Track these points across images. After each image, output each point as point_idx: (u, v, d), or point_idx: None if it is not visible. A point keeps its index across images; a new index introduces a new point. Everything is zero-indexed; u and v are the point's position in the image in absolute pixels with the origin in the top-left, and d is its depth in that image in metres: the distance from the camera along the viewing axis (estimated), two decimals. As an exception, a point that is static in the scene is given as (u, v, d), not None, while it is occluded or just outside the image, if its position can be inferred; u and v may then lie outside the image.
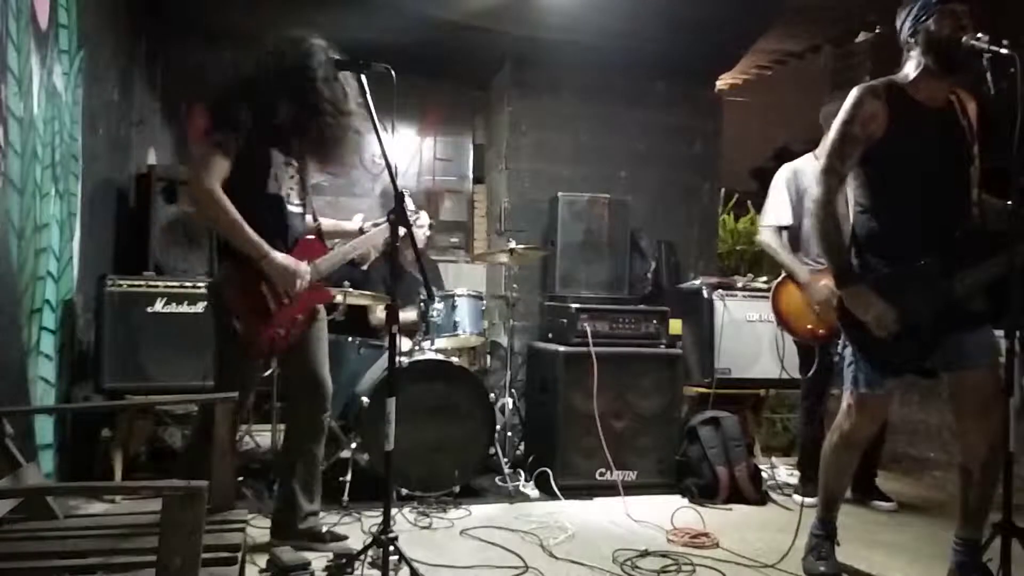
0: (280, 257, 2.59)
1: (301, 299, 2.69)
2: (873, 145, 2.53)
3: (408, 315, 4.09)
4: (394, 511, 3.06)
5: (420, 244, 4.61)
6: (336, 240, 3.04)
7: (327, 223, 3.00)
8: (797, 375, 3.88)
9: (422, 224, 4.63)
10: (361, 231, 3.03)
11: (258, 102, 2.55)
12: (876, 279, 2.51)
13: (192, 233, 4.30)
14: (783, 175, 3.86)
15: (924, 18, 2.47)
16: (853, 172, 2.62)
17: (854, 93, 2.55)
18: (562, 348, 3.90)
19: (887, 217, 2.56)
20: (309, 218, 2.86)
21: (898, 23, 2.58)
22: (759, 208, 4.06)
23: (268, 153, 2.60)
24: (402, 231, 2.48)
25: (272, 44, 2.67)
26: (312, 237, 2.80)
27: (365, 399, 3.54)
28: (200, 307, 3.48)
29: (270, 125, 2.58)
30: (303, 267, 2.67)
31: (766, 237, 3.83)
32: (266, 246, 2.55)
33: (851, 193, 2.68)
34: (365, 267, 4.54)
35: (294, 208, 2.74)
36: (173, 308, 3.47)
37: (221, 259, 2.63)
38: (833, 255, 2.55)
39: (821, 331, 3.53)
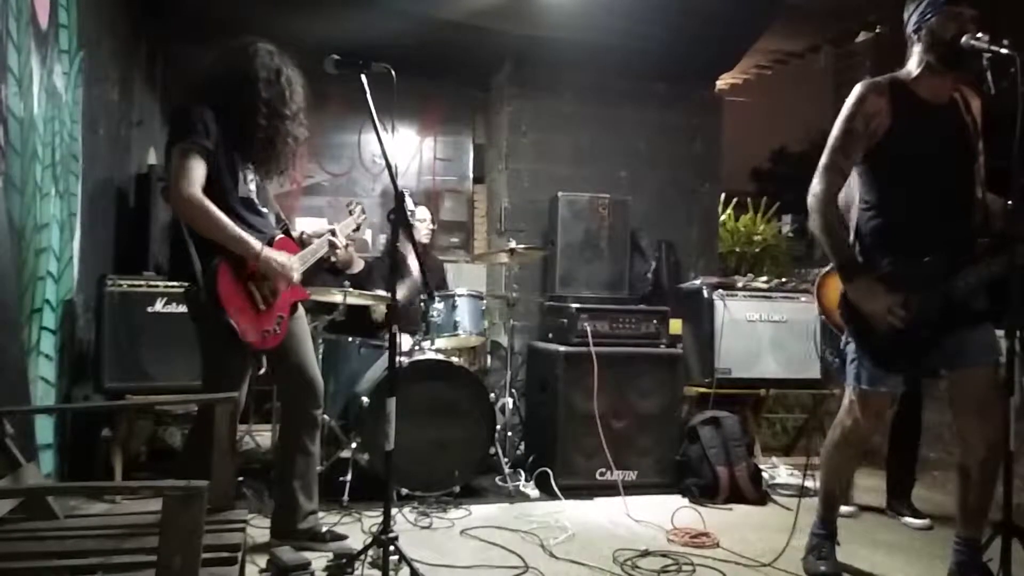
0: (274, 253, 2.59)
1: (283, 297, 2.69)
2: (876, 142, 2.53)
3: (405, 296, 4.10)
4: (394, 511, 3.06)
5: (424, 239, 4.63)
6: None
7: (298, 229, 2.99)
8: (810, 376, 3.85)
9: (421, 219, 4.63)
10: (332, 233, 2.99)
11: (213, 106, 2.54)
12: (879, 277, 2.51)
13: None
14: None
15: (929, 16, 2.47)
16: (857, 169, 2.62)
17: (857, 89, 2.55)
18: (562, 348, 3.90)
19: (891, 214, 2.56)
20: (273, 218, 2.83)
21: (905, 16, 2.57)
22: (758, 208, 4.06)
23: (233, 156, 2.59)
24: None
25: (221, 48, 2.68)
26: (283, 236, 2.80)
27: (365, 399, 3.53)
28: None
29: (228, 128, 2.56)
30: (294, 260, 2.68)
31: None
32: (259, 244, 2.55)
33: (856, 190, 2.68)
34: (356, 270, 4.53)
35: (261, 209, 2.73)
36: (173, 308, 3.47)
37: (204, 261, 2.49)
38: (836, 249, 2.55)
39: None
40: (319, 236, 2.96)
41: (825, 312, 3.67)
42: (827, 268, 3.69)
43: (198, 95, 2.60)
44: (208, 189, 2.48)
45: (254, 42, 2.67)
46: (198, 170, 2.45)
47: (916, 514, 3.57)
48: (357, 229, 3.13)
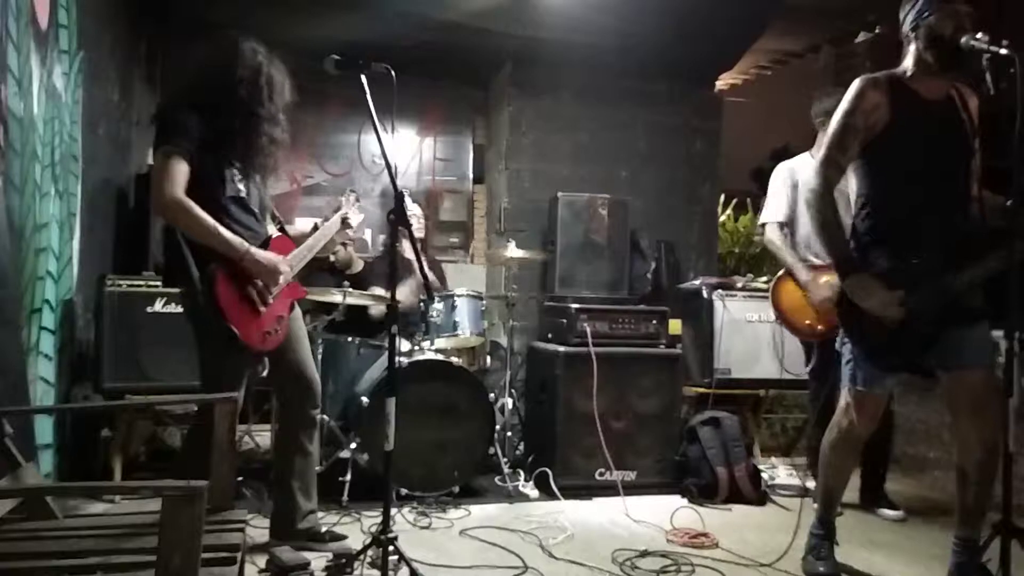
0: (260, 253, 2.57)
1: (281, 297, 2.69)
2: (874, 138, 2.53)
3: (408, 299, 4.10)
4: (394, 511, 3.07)
5: (417, 235, 4.61)
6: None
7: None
8: (795, 374, 3.88)
9: (414, 214, 4.62)
10: (315, 228, 2.97)
11: (197, 105, 2.53)
12: (876, 273, 2.51)
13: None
14: (780, 173, 3.88)
15: (926, 14, 2.47)
16: (854, 165, 2.61)
17: (855, 84, 2.55)
18: (562, 348, 3.90)
19: (888, 211, 2.56)
20: (268, 216, 2.82)
21: (901, 15, 2.57)
22: (758, 208, 4.06)
23: (218, 155, 2.57)
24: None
25: (204, 47, 2.66)
26: (279, 235, 2.79)
27: (365, 399, 3.53)
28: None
29: (213, 127, 2.54)
30: (283, 260, 2.67)
31: (769, 234, 3.81)
32: (245, 244, 2.53)
33: (853, 187, 2.68)
34: (355, 270, 4.52)
35: (253, 208, 2.71)
36: (173, 308, 3.47)
37: (200, 265, 2.48)
38: (833, 245, 2.55)
39: (820, 327, 3.52)
40: (328, 219, 2.96)
41: (780, 316, 3.70)
42: (780, 272, 3.72)
43: (183, 95, 2.60)
44: (196, 190, 2.46)
45: (236, 39, 2.64)
46: (180, 172, 2.43)
47: (891, 505, 3.61)
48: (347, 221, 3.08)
